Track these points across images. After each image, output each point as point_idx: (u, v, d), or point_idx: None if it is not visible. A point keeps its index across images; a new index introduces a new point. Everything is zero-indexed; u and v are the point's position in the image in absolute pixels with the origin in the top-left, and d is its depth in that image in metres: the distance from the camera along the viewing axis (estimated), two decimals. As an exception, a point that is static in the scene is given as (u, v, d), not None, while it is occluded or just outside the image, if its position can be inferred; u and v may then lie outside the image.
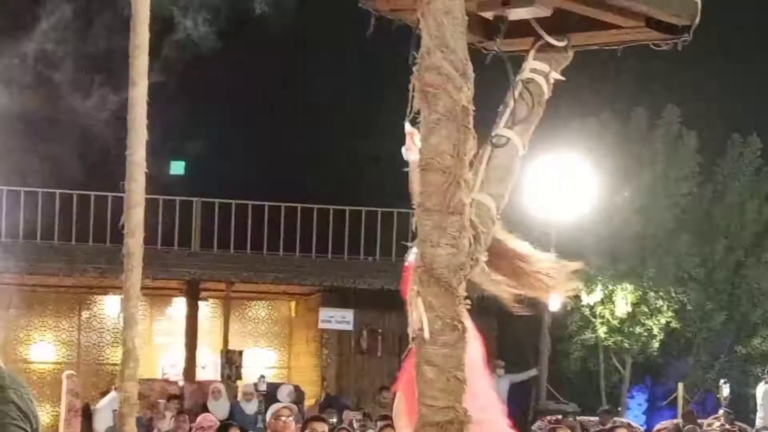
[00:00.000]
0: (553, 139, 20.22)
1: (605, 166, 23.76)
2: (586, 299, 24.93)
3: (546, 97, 5.05)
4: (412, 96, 4.35)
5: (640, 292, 25.11)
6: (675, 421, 20.62)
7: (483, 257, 4.69)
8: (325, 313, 23.74)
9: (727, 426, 15.20)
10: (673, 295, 25.24)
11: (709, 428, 16.45)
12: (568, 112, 22.28)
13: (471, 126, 4.42)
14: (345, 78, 27.81)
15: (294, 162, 28.22)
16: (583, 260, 21.35)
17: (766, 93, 27.79)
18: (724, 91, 27.57)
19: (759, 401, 21.56)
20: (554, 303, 23.55)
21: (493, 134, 4.99)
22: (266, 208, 24.08)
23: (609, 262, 24.89)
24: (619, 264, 25.05)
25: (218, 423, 13.42)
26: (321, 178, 26.93)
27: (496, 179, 4.97)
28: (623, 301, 25.02)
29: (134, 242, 5.82)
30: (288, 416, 12.70)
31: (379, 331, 24.33)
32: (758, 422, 20.78)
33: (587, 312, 25.28)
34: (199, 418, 14.23)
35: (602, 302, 25.15)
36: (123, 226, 5.77)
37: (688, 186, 26.13)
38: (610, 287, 25.03)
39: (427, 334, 4.33)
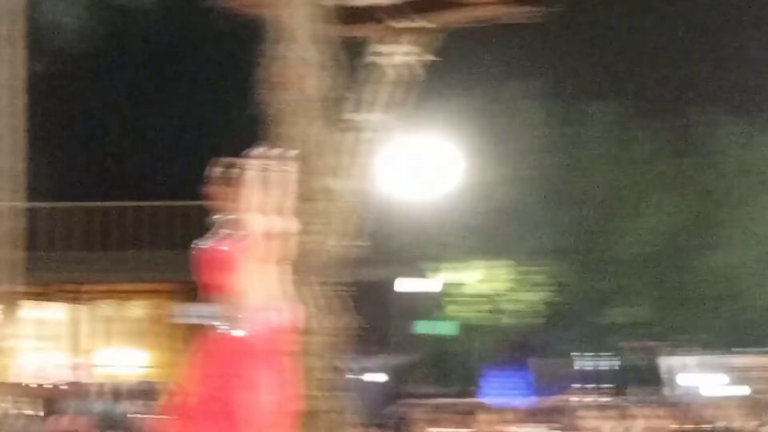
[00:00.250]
0: (408, 120, 20.16)
1: (461, 144, 23.69)
2: (446, 278, 24.92)
3: (409, 79, 5.04)
4: (267, 87, 4.32)
5: (498, 268, 25.10)
6: (539, 396, 20.77)
7: (356, 242, 4.68)
8: (182, 308, 23.49)
9: (590, 398, 15.41)
10: (537, 268, 25.28)
11: (572, 401, 16.65)
12: (422, 93, 22.13)
13: (329, 113, 4.39)
14: (178, 75, 27.64)
15: (144, 160, 27.89)
16: (443, 238, 21.39)
17: (614, 61, 28.09)
18: (573, 60, 27.73)
19: (670, 374, 21.38)
20: (414, 285, 23.70)
21: (354, 119, 4.97)
22: (119, 208, 23.84)
23: (467, 239, 24.87)
24: (478, 240, 25.02)
25: (77, 424, 13.14)
26: (173, 175, 26.66)
27: (359, 164, 4.94)
28: (482, 278, 25.01)
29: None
30: (147, 413, 12.54)
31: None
32: (676, 391, 20.47)
33: (451, 291, 25.18)
34: (58, 420, 13.92)
35: (462, 281, 25.06)
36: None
37: (541, 157, 26.15)
38: (470, 265, 24.97)
39: (307, 324, 4.30)
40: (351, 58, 4.98)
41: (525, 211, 25.29)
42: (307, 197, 4.37)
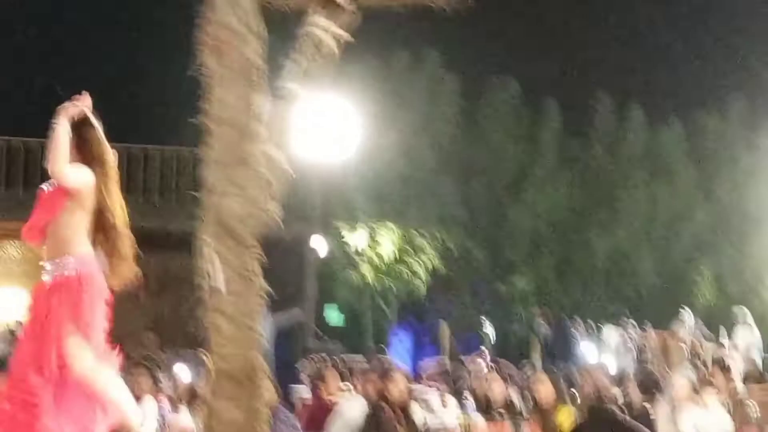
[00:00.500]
0: (320, 87, 20.08)
1: (370, 109, 23.63)
2: (352, 240, 24.95)
3: (331, 51, 5.16)
4: (203, 51, 4.43)
5: (404, 233, 25.21)
6: (439, 359, 20.90)
7: (274, 208, 4.78)
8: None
9: (489, 363, 15.60)
10: (436, 235, 25.43)
11: (472, 365, 16.84)
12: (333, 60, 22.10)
13: (260, 80, 4.51)
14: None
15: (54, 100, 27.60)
16: (348, 202, 21.47)
17: (525, 38, 28.29)
18: (485, 35, 27.86)
19: (612, 346, 21.57)
20: (320, 245, 23.70)
21: (280, 87, 5.07)
22: (26, 145, 23.58)
23: (373, 203, 24.89)
24: (383, 205, 25.04)
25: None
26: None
27: (282, 130, 5.06)
28: (387, 242, 25.10)
29: None
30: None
31: (142, 272, 23.86)
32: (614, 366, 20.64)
33: (352, 253, 25.22)
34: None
35: (368, 243, 25.12)
36: None
37: (450, 128, 26.36)
38: (375, 228, 25.04)
39: (221, 286, 4.41)
40: (283, 28, 5.10)
41: (427, 179, 25.50)
42: (241, 161, 4.51)
